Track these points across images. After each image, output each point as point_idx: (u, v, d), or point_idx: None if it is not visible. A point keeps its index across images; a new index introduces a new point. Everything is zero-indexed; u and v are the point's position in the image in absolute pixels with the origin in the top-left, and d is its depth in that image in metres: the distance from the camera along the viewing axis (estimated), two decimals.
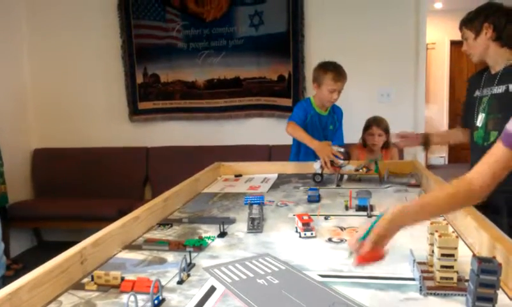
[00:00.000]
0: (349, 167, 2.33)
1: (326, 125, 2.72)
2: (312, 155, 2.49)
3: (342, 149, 2.33)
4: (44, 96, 4.29)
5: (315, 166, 2.34)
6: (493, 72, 2.02)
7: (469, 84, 2.21)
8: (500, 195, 1.54)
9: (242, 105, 3.97)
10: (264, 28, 3.81)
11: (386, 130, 2.93)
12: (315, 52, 3.81)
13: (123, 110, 4.18)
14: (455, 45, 7.64)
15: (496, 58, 1.96)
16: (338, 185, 2.25)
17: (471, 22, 1.96)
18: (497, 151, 1.11)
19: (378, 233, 1.02)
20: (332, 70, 2.63)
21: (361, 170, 2.33)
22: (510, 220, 1.76)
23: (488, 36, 1.93)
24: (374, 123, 2.92)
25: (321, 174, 2.31)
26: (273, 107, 3.93)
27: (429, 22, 3.97)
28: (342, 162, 2.29)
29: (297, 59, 3.80)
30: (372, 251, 1.00)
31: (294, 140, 2.78)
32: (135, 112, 4.16)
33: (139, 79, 4.11)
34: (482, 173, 1.11)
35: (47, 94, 4.29)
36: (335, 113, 2.80)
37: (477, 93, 2.11)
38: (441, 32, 7.47)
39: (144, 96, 4.12)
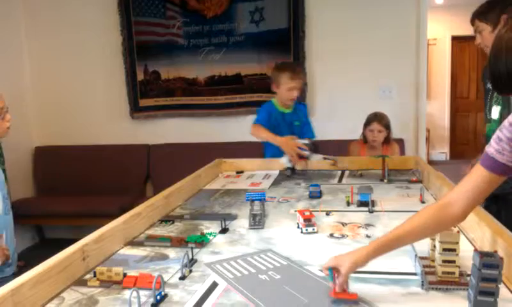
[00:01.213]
0: (318, 157, 2.41)
1: (291, 122, 2.76)
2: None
3: (306, 141, 2.40)
4: (45, 94, 4.29)
5: (284, 161, 2.42)
6: None
7: (482, 75, 2.17)
8: None
9: (243, 101, 3.96)
10: (265, 24, 3.80)
11: (387, 126, 2.92)
12: (316, 48, 3.81)
13: (124, 108, 4.18)
14: (456, 40, 7.61)
15: None
16: (288, 176, 2.40)
17: (485, 14, 1.93)
18: (477, 175, 1.01)
19: (346, 281, 1.02)
20: (288, 69, 2.68)
21: (329, 160, 2.45)
22: None
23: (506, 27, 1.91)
24: (375, 119, 2.92)
25: (291, 168, 2.41)
26: None
27: (430, 17, 3.95)
28: (307, 153, 2.37)
29: (298, 56, 3.79)
30: (345, 293, 1.02)
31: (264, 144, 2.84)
32: (136, 109, 4.16)
33: (140, 76, 4.10)
34: (461, 198, 1.02)
35: (47, 92, 4.29)
36: (299, 110, 2.84)
37: (490, 84, 2.10)
38: (442, 28, 7.44)
39: (145, 93, 4.12)
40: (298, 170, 2.44)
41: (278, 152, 2.56)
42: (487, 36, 1.94)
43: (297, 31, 3.76)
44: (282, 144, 2.45)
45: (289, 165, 2.39)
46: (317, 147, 2.45)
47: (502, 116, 2.00)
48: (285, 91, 2.65)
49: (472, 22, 2.01)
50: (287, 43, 3.79)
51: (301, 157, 2.39)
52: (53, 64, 4.26)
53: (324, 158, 2.44)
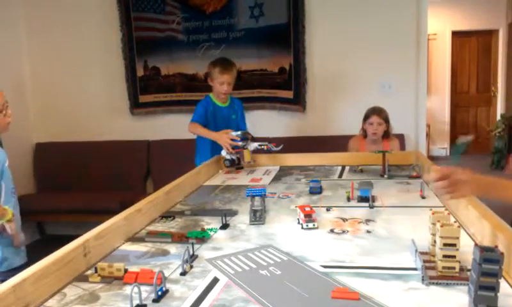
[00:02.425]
0: (253, 146, 2.56)
1: (228, 115, 2.93)
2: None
3: (238, 133, 2.58)
4: (45, 90, 4.29)
5: (223, 153, 2.57)
6: None
7: None
8: None
9: (243, 97, 3.95)
10: (265, 19, 3.79)
11: (386, 119, 2.92)
12: (316, 42, 3.80)
13: (124, 104, 4.17)
14: (456, 35, 7.60)
15: None
16: (227, 167, 2.56)
17: None
18: None
19: (461, 173, 1.01)
20: (219, 64, 2.85)
21: (263, 147, 2.54)
22: None
23: None
24: (374, 112, 2.92)
25: (229, 160, 2.55)
26: (274, 99, 3.92)
27: (430, 12, 3.94)
28: (241, 143, 2.54)
29: (298, 51, 3.78)
30: (349, 292, 1.01)
31: (199, 144, 2.97)
32: (136, 106, 4.15)
33: (140, 72, 4.10)
34: None
35: (48, 89, 4.28)
36: (235, 104, 3.01)
37: None
38: (442, 23, 7.42)
39: (145, 89, 4.12)
40: (245, 161, 2.57)
41: (208, 152, 2.74)
42: None
43: (297, 25, 3.75)
44: (217, 138, 2.62)
45: (227, 157, 2.55)
46: (250, 136, 2.60)
47: None
48: (218, 85, 2.84)
49: None
50: (287, 39, 3.78)
51: (237, 148, 2.55)
52: (53, 60, 4.26)
53: (260, 145, 2.57)
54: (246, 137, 2.57)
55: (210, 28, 3.90)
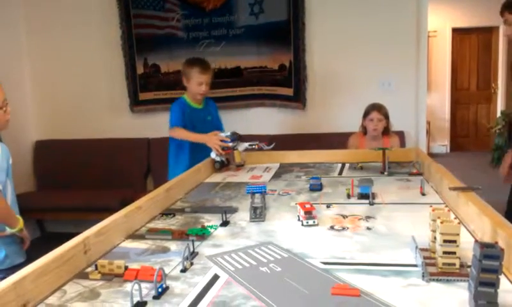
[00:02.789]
0: (243, 146, 2.52)
1: (204, 117, 2.86)
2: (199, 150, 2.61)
3: (228, 134, 2.53)
4: (45, 87, 4.29)
5: (212, 155, 2.50)
6: None
7: None
8: None
9: (243, 95, 3.96)
10: (264, 16, 3.78)
11: (386, 116, 2.92)
12: (316, 40, 3.79)
13: (124, 101, 4.17)
14: (457, 32, 7.59)
15: None
16: (217, 169, 2.47)
17: (510, 5, 1.99)
18: None
19: None
20: (197, 64, 2.78)
21: (254, 146, 2.53)
22: None
23: None
24: (374, 109, 2.91)
25: (219, 162, 2.48)
26: (274, 97, 3.91)
27: (430, 9, 3.94)
28: (231, 144, 2.49)
29: (298, 48, 3.78)
30: (349, 288, 1.01)
31: (172, 150, 2.90)
32: (136, 103, 4.15)
33: (140, 70, 4.09)
34: None
35: (47, 86, 4.28)
36: (209, 105, 2.95)
37: None
38: (442, 20, 7.41)
39: (145, 87, 4.11)
40: (237, 162, 2.53)
41: (185, 162, 2.67)
42: None
43: (297, 22, 3.74)
44: (205, 140, 2.54)
45: (217, 159, 2.48)
46: (240, 137, 2.56)
47: None
48: (195, 85, 2.76)
49: (502, 14, 2.07)
50: (286, 36, 3.78)
51: (227, 149, 2.49)
52: (53, 58, 4.25)
53: (250, 145, 2.54)
54: (236, 138, 2.52)
55: (209, 25, 3.89)
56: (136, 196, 2.65)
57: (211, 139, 2.51)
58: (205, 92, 2.80)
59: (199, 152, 2.60)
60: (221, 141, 2.48)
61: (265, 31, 3.80)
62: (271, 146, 2.59)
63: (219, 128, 2.86)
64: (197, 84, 2.76)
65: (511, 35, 2.11)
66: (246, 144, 2.54)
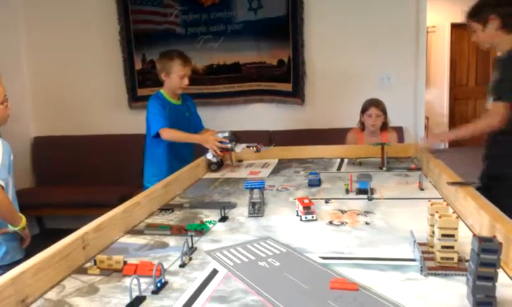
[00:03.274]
0: (241, 147, 2.46)
1: (182, 113, 2.70)
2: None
3: (226, 134, 2.45)
4: (43, 83, 4.27)
5: (209, 156, 2.43)
6: (499, 55, 2.13)
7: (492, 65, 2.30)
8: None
9: (242, 90, 3.95)
10: (263, 12, 3.77)
11: (384, 111, 2.92)
12: (315, 35, 3.78)
13: (122, 97, 4.16)
14: (456, 28, 7.57)
15: (504, 45, 2.06)
16: (213, 171, 2.39)
17: (477, 14, 2.04)
18: None
19: None
20: (179, 56, 2.61)
21: (252, 148, 2.47)
22: None
23: (495, 26, 2.03)
24: (372, 104, 2.91)
25: (216, 163, 2.41)
26: (273, 92, 3.91)
27: (429, 5, 3.92)
28: (230, 145, 2.42)
29: (296, 43, 3.77)
30: (348, 282, 1.01)
31: (148, 154, 2.74)
32: (134, 99, 4.14)
33: (138, 65, 4.08)
34: None
35: (45, 82, 4.27)
36: (187, 100, 2.80)
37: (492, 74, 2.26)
38: (441, 16, 7.40)
39: (143, 83, 4.10)
40: (234, 163, 2.48)
41: (163, 166, 2.56)
42: (480, 34, 2.06)
43: (296, 18, 3.73)
44: (203, 141, 2.46)
45: (214, 160, 2.41)
46: (238, 137, 2.49)
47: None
48: (177, 79, 2.59)
49: (467, 22, 2.12)
50: (285, 31, 3.76)
51: (225, 150, 2.43)
52: (51, 53, 4.24)
53: (248, 146, 2.49)
54: (235, 138, 2.46)
55: (208, 21, 3.88)
56: (134, 192, 2.65)
57: (209, 140, 2.42)
58: (187, 85, 2.64)
59: (176, 158, 2.53)
60: (220, 141, 2.41)
61: (264, 26, 3.79)
62: (270, 147, 2.56)
63: (199, 125, 2.77)
64: (179, 77, 2.58)
65: (477, 41, 2.15)
66: (243, 146, 2.48)
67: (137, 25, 4.00)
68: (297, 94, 3.84)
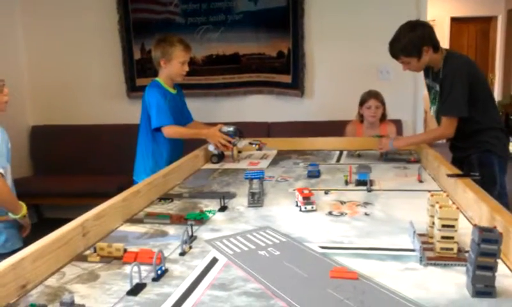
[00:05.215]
0: (244, 142, 2.46)
1: (177, 103, 2.61)
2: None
3: (231, 129, 2.42)
4: (41, 72, 4.24)
5: (211, 148, 2.42)
6: (435, 69, 2.28)
7: (424, 73, 2.45)
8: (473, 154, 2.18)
9: (241, 81, 3.93)
10: (263, 2, 3.74)
11: (383, 102, 2.92)
12: (315, 27, 3.76)
13: (121, 87, 4.14)
14: (455, 21, 7.56)
15: (436, 61, 2.23)
16: (214, 163, 2.38)
17: (410, 51, 2.17)
18: None
19: None
20: (180, 42, 2.49)
21: (254, 145, 2.47)
22: (481, 171, 1.99)
23: (429, 53, 2.19)
24: (371, 96, 2.91)
25: (217, 155, 2.40)
26: (272, 84, 3.89)
27: None
28: (234, 140, 2.39)
29: (296, 35, 3.74)
30: (348, 271, 1.02)
31: (143, 146, 2.64)
32: (133, 89, 4.12)
33: (137, 55, 4.05)
34: None
35: (44, 71, 4.24)
36: (179, 89, 2.69)
37: (427, 81, 2.41)
38: (441, 9, 7.38)
39: (142, 73, 4.07)
40: (235, 157, 2.44)
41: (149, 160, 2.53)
42: (416, 64, 2.23)
43: (296, 9, 3.70)
44: (209, 136, 2.41)
45: (215, 152, 2.41)
46: (242, 132, 2.46)
47: (438, 115, 2.29)
48: (178, 65, 2.48)
49: (396, 57, 2.24)
50: (285, 22, 3.74)
51: (229, 145, 2.40)
52: (49, 42, 4.20)
53: (250, 143, 2.49)
54: (239, 134, 2.43)
55: (208, 11, 3.85)
56: (133, 182, 2.64)
57: (215, 135, 2.37)
58: (187, 72, 2.54)
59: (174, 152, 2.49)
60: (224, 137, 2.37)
61: (264, 17, 3.76)
62: (272, 150, 2.57)
63: (189, 117, 2.72)
64: (181, 63, 2.48)
65: (412, 70, 2.31)
66: (246, 142, 2.47)
67: (136, 14, 3.97)
68: (296, 86, 3.82)
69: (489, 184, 2.02)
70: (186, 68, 2.53)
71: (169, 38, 2.53)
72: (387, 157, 2.29)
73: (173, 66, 2.49)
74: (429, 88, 2.42)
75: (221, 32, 3.84)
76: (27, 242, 1.82)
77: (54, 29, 4.17)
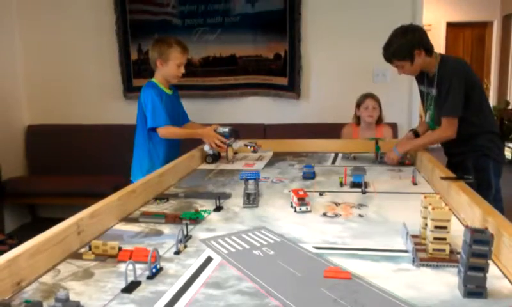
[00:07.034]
0: (239, 144, 2.47)
1: (174, 103, 2.62)
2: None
3: (226, 130, 2.43)
4: (37, 72, 4.23)
5: (206, 148, 2.42)
6: (430, 75, 2.29)
7: (415, 77, 2.45)
8: (469, 158, 2.21)
9: (238, 83, 3.94)
10: (261, 5, 3.75)
11: (379, 104, 2.95)
12: (312, 30, 3.78)
13: (117, 88, 4.14)
14: (451, 27, 7.61)
15: (431, 65, 2.25)
16: (209, 163, 2.40)
17: (402, 55, 2.20)
18: None
19: None
20: (177, 43, 2.49)
21: (250, 147, 2.48)
22: (476, 176, 2.02)
23: (421, 56, 2.20)
24: (367, 97, 2.93)
25: (212, 155, 2.41)
26: (269, 86, 3.90)
27: (425, 3, 3.94)
28: (229, 141, 2.40)
29: (293, 37, 3.76)
30: (341, 271, 1.03)
31: (138, 148, 2.66)
32: (129, 89, 4.12)
33: (134, 56, 4.05)
34: None
35: (40, 70, 4.23)
36: (175, 91, 2.69)
37: (422, 87, 2.43)
38: (437, 14, 7.43)
39: (139, 73, 4.07)
40: (229, 158, 2.45)
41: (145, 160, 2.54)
42: (408, 68, 2.25)
43: (293, 12, 3.72)
44: (204, 136, 2.41)
45: (210, 152, 2.42)
46: (238, 133, 2.47)
47: (434, 119, 2.33)
48: (174, 66, 2.48)
49: (390, 61, 2.28)
50: (282, 25, 3.75)
51: (224, 146, 2.41)
52: (45, 42, 4.19)
53: (245, 145, 2.49)
54: (234, 135, 2.43)
55: (205, 12, 3.85)
56: (128, 182, 2.64)
57: (210, 136, 2.38)
58: (182, 75, 2.54)
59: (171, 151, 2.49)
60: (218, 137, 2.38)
61: (261, 19, 3.77)
62: (267, 152, 2.57)
63: (185, 117, 2.72)
64: (177, 65, 2.48)
65: (406, 73, 2.32)
66: (241, 143, 2.47)
67: (133, 15, 3.97)
68: (293, 88, 3.84)
69: (485, 188, 2.04)
70: (182, 70, 2.52)
71: (167, 38, 2.54)
72: (382, 160, 2.30)
73: (169, 68, 2.49)
74: (424, 94, 2.42)
75: (218, 34, 3.85)
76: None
77: (51, 29, 4.16)
